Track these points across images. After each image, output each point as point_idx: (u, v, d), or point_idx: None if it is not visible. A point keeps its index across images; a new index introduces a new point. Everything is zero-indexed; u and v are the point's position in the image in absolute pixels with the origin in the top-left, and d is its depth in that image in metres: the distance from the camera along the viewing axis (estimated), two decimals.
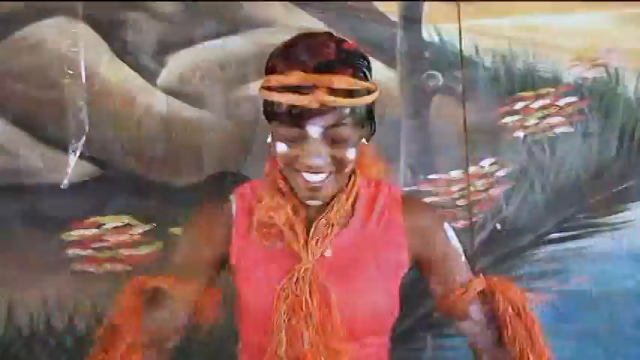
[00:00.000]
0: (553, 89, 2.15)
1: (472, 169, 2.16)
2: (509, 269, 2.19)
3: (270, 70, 1.28)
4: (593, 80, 2.16)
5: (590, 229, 2.19)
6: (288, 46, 1.27)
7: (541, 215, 2.19)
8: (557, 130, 2.17)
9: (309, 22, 2.07)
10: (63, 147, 2.04)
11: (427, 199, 2.14)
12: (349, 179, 1.38)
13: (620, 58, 2.15)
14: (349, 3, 2.10)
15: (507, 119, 2.16)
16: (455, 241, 1.45)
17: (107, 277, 2.06)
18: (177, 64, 2.07)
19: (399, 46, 2.12)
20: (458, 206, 2.16)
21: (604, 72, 2.16)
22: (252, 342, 1.41)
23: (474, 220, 2.17)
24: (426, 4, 2.12)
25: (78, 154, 2.04)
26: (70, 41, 2.04)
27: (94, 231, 2.05)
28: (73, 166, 2.04)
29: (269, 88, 1.26)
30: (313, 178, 1.27)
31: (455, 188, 2.16)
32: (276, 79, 1.24)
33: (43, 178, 2.05)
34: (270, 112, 1.27)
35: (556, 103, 2.16)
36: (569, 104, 2.16)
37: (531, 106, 2.16)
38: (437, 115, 2.15)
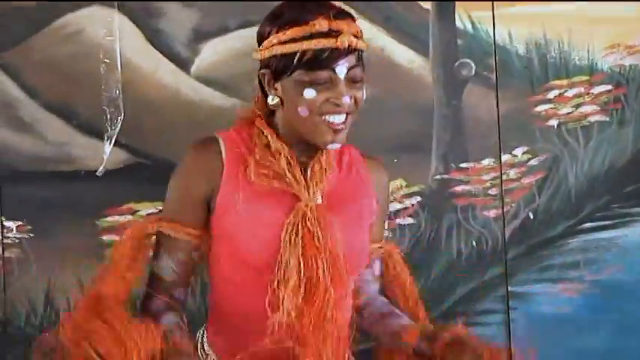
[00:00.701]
0: (588, 77, 2.14)
1: (505, 157, 2.15)
2: (541, 259, 2.18)
3: (279, 29, 1.37)
4: (629, 68, 2.14)
5: (624, 219, 2.17)
6: (291, 6, 1.40)
7: (574, 205, 2.18)
8: (592, 119, 2.16)
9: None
10: (99, 134, 2.08)
11: (459, 188, 2.15)
12: None
13: None
14: None
15: (540, 108, 2.15)
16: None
17: None
18: (211, 52, 2.09)
19: (431, 34, 2.11)
20: (490, 195, 2.16)
21: None
22: (231, 290, 1.45)
23: (506, 209, 2.16)
24: None
25: (113, 141, 2.08)
26: (105, 30, 2.08)
27: (129, 217, 2.09)
28: (108, 154, 2.08)
29: (284, 43, 1.36)
30: (337, 119, 1.37)
31: (487, 177, 2.16)
32: (300, 29, 1.35)
33: (79, 165, 2.09)
34: (291, 63, 1.36)
35: (590, 92, 2.14)
36: (603, 93, 2.14)
37: (565, 94, 2.14)
38: (469, 104, 2.15)
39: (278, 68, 1.39)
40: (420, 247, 2.15)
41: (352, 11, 1.97)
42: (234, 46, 2.09)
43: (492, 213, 2.16)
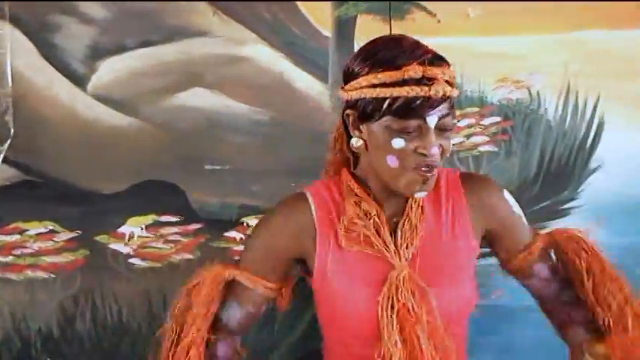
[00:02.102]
0: (478, 109, 2.21)
1: None
2: None
3: (369, 70, 1.31)
4: (516, 102, 2.23)
5: None
6: (382, 46, 1.33)
7: None
8: (482, 149, 2.23)
9: (241, 33, 2.08)
10: None
11: None
12: None
13: (541, 82, 2.22)
14: (283, 17, 2.12)
15: None
16: (516, 206, 1.54)
17: (27, 284, 2.02)
18: (109, 70, 2.05)
19: (331, 61, 2.14)
20: None
21: (527, 94, 2.23)
22: (341, 348, 1.44)
23: None
24: (359, 21, 2.15)
25: (1, 158, 2.00)
26: None
27: (17, 237, 2.01)
28: None
29: (373, 86, 1.29)
30: (428, 172, 1.31)
31: None
32: (392, 74, 1.28)
33: None
34: (380, 108, 1.29)
35: (481, 123, 2.22)
36: (493, 124, 2.22)
37: (457, 124, 2.20)
38: None
39: (366, 111, 1.32)
40: None
41: (255, 35, 2.03)
42: (132, 65, 2.05)
43: None
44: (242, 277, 1.44)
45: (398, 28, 2.16)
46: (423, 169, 1.32)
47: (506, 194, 1.54)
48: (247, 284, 1.44)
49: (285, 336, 2.09)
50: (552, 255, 1.58)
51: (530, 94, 2.23)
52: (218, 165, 2.07)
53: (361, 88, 1.32)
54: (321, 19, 2.13)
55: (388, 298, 1.34)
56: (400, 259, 1.37)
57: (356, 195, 1.39)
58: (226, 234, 2.09)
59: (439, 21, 2.17)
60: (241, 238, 2.07)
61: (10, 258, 2.01)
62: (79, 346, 2.07)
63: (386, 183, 1.36)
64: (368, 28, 2.15)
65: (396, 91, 1.27)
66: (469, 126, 2.22)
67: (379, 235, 1.38)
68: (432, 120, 1.29)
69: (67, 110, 2.04)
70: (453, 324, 1.41)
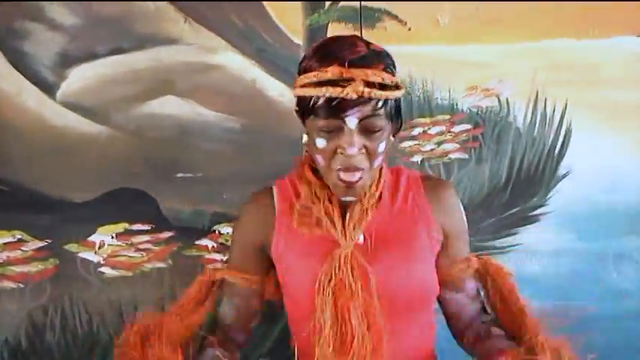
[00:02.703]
0: (449, 116, 2.23)
1: None
2: None
3: (305, 70, 1.37)
4: (486, 109, 2.25)
5: (481, 252, 2.24)
6: (321, 46, 1.38)
7: None
8: (452, 156, 2.25)
9: (212, 40, 2.08)
10: None
11: None
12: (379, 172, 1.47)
13: (510, 89, 2.24)
14: (254, 24, 2.12)
15: (405, 144, 2.22)
16: (464, 217, 1.57)
17: None
18: (78, 77, 2.03)
19: None
20: None
21: (496, 102, 2.26)
22: (300, 328, 1.46)
23: None
24: (330, 29, 2.16)
25: None
26: None
27: None
28: None
29: (305, 86, 1.34)
30: (349, 177, 1.35)
31: None
32: (313, 75, 1.33)
33: None
34: (307, 107, 1.35)
35: (451, 130, 2.23)
36: (463, 131, 2.24)
37: (428, 132, 2.22)
38: None
39: (300, 110, 1.40)
40: None
41: (226, 43, 2.02)
42: (102, 72, 2.04)
43: None
44: (225, 274, 1.54)
45: (369, 36, 2.16)
46: (342, 174, 1.35)
47: (460, 203, 1.58)
48: (229, 279, 1.53)
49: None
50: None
51: (499, 101, 2.26)
52: (190, 173, 2.06)
53: (297, 87, 1.39)
54: (293, 26, 2.13)
55: (327, 273, 1.39)
56: (346, 239, 1.41)
57: (309, 182, 1.45)
58: (198, 242, 2.08)
59: (410, 29, 2.19)
60: (213, 246, 2.07)
61: None
62: (49, 357, 2.04)
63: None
64: None
65: (316, 91, 1.32)
66: (440, 133, 2.24)
67: (329, 218, 1.42)
68: (351, 121, 1.32)
69: (35, 118, 2.02)
70: (406, 308, 1.43)
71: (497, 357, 1.40)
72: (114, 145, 2.04)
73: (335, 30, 2.16)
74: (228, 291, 1.56)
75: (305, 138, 1.41)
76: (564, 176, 2.28)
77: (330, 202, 1.43)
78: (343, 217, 1.43)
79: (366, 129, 1.34)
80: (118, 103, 2.05)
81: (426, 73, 2.22)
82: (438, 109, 2.23)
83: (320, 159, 1.37)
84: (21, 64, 2.01)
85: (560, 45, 2.25)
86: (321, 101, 1.32)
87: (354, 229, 1.42)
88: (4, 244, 1.99)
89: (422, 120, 2.23)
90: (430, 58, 2.21)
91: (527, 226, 2.27)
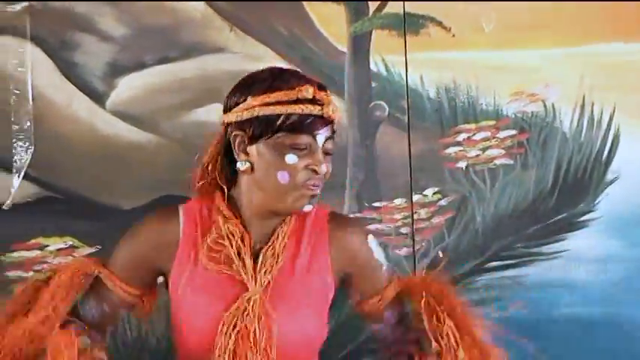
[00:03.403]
0: (493, 122, 2.22)
1: (416, 197, 2.20)
2: None
3: (260, 90, 1.38)
4: (531, 114, 2.24)
5: (527, 259, 2.25)
6: (273, 72, 1.42)
7: (481, 244, 2.24)
8: (498, 162, 2.24)
9: (257, 49, 2.10)
10: (7, 167, 2.02)
11: (372, 227, 2.18)
12: None
13: (557, 94, 2.23)
14: (299, 33, 2.14)
15: (450, 150, 2.22)
16: (377, 253, 1.54)
17: None
18: (127, 87, 2.07)
19: (347, 77, 2.16)
20: (401, 234, 2.20)
21: (542, 107, 2.24)
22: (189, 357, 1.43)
23: (416, 247, 2.21)
24: (374, 36, 2.17)
25: (22, 174, 2.02)
26: (17, 61, 2.03)
27: (37, 252, 2.03)
28: (17, 187, 2.02)
29: (269, 104, 1.36)
30: (317, 186, 1.39)
31: (398, 216, 2.20)
32: (286, 93, 1.36)
33: None
34: (273, 126, 1.36)
35: (496, 136, 2.22)
36: (508, 137, 2.23)
37: (473, 137, 2.22)
38: (382, 144, 2.20)
39: (257, 131, 1.37)
40: None
41: (272, 51, 2.05)
42: (150, 82, 2.08)
43: (404, 251, 2.20)
44: (104, 275, 1.47)
45: (413, 43, 2.18)
46: (312, 186, 1.38)
47: (371, 240, 1.54)
48: (107, 283, 1.46)
49: None
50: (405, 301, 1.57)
51: (545, 106, 2.24)
52: None
53: (253, 107, 1.37)
54: (337, 34, 2.15)
55: (234, 316, 1.37)
56: (256, 284, 1.39)
57: (224, 217, 1.42)
58: None
59: (454, 35, 2.19)
60: None
61: (30, 273, 2.02)
62: None
63: (269, 203, 1.40)
64: (383, 43, 2.18)
65: (291, 109, 1.36)
66: (485, 139, 2.23)
67: (240, 258, 1.40)
68: (320, 139, 1.38)
69: (86, 127, 2.07)
70: (294, 355, 1.41)
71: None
72: (161, 153, 2.08)
73: (379, 37, 2.17)
74: (101, 293, 1.48)
75: (244, 164, 1.39)
76: (612, 181, 2.25)
77: (243, 242, 1.41)
78: (254, 260, 1.42)
79: (326, 151, 1.40)
80: (166, 112, 2.09)
81: (471, 79, 2.21)
82: (482, 115, 2.22)
83: (284, 176, 1.37)
84: (72, 74, 2.07)
85: (607, 49, 2.23)
86: (293, 118, 1.35)
87: (264, 274, 1.40)
88: (57, 250, 2.03)
89: (467, 126, 2.22)
90: (474, 64, 2.21)
91: (575, 232, 2.25)
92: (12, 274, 2.02)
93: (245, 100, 1.39)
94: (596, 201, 2.25)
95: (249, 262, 1.40)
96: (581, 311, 2.25)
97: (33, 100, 2.03)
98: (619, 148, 2.25)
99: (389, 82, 2.20)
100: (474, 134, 2.21)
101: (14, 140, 2.02)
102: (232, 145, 1.41)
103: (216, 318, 1.37)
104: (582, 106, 2.24)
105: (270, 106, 1.36)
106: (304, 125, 1.36)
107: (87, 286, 1.49)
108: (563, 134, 2.24)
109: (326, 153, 1.40)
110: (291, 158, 1.36)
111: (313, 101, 1.36)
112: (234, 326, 1.36)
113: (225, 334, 1.35)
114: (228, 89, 1.48)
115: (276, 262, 1.41)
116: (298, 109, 1.35)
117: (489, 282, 2.24)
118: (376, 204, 2.20)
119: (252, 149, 1.39)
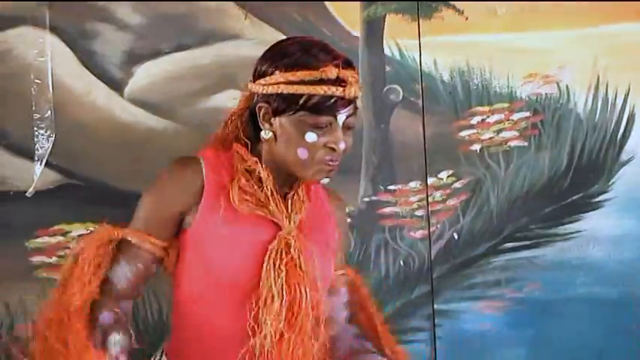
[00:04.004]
0: (507, 104, 2.23)
1: (431, 180, 2.22)
2: (465, 277, 2.26)
3: (288, 67, 1.38)
4: (545, 96, 2.24)
5: (542, 239, 2.27)
6: (299, 48, 1.40)
7: (495, 225, 2.26)
8: (512, 144, 2.25)
9: (272, 36, 2.12)
10: (29, 155, 2.06)
11: (387, 209, 2.20)
12: None
13: (570, 76, 2.23)
14: (313, 19, 2.16)
15: (464, 133, 2.23)
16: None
17: None
18: (145, 74, 2.10)
19: (361, 61, 2.17)
20: (416, 216, 2.22)
21: (556, 89, 2.25)
22: (208, 309, 1.44)
23: (432, 229, 2.23)
24: (387, 21, 2.18)
25: (44, 162, 2.06)
26: (36, 51, 2.07)
27: (60, 238, 2.07)
28: (39, 174, 2.06)
29: (294, 83, 1.37)
30: (335, 162, 1.40)
31: (414, 199, 2.22)
32: (310, 73, 1.37)
33: (8, 185, 2.07)
34: (296, 104, 1.38)
35: (510, 118, 2.23)
36: (522, 119, 2.23)
37: (487, 120, 2.23)
38: (397, 128, 2.21)
39: (280, 106, 1.40)
40: None
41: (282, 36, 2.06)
42: (167, 69, 2.11)
43: (419, 234, 2.22)
44: (130, 235, 1.45)
45: (426, 27, 2.19)
46: (330, 162, 1.41)
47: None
48: (135, 241, 1.44)
49: None
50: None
51: (559, 88, 2.25)
52: None
53: (278, 83, 1.39)
54: (351, 19, 2.16)
55: (277, 250, 1.41)
56: (290, 222, 1.45)
57: (249, 165, 1.46)
58: None
59: (467, 18, 2.19)
60: None
61: (53, 259, 2.07)
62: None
63: (287, 169, 1.44)
64: (397, 28, 2.19)
65: (313, 89, 1.37)
66: (498, 121, 2.24)
67: (272, 201, 1.45)
68: (341, 118, 1.39)
69: (105, 114, 2.10)
70: (322, 293, 1.47)
71: None
72: (179, 139, 2.11)
73: (392, 22, 2.18)
74: (129, 254, 1.45)
75: (268, 134, 1.42)
76: (628, 161, 2.26)
77: (273, 187, 1.45)
78: (283, 205, 1.47)
79: (347, 126, 1.41)
80: (183, 99, 2.12)
81: (484, 62, 2.22)
82: (496, 98, 2.23)
83: (303, 152, 1.40)
84: (91, 63, 2.10)
85: (621, 29, 2.23)
86: (315, 99, 1.37)
87: (295, 214, 1.46)
88: (78, 235, 2.07)
89: (480, 108, 2.23)
90: (488, 47, 2.21)
91: (590, 213, 2.26)
92: (35, 259, 2.06)
93: (272, 73, 1.40)
94: (611, 181, 2.26)
95: (280, 204, 1.45)
96: (596, 291, 2.27)
97: (53, 89, 2.07)
98: (634, 128, 2.25)
99: (403, 66, 2.21)
100: (488, 117, 2.23)
101: (35, 129, 2.06)
102: (257, 115, 1.44)
103: (259, 251, 1.41)
104: (596, 87, 2.24)
105: (295, 85, 1.38)
106: (325, 106, 1.37)
107: (114, 252, 1.45)
108: (577, 115, 2.24)
109: (348, 128, 1.42)
110: (310, 137, 1.39)
111: (337, 81, 1.37)
112: (281, 259, 1.40)
113: (274, 266, 1.39)
114: (245, 75, 1.49)
115: (303, 205, 1.47)
116: (321, 90, 1.36)
117: (505, 263, 2.26)
118: (391, 187, 2.22)
119: (276, 121, 1.42)
